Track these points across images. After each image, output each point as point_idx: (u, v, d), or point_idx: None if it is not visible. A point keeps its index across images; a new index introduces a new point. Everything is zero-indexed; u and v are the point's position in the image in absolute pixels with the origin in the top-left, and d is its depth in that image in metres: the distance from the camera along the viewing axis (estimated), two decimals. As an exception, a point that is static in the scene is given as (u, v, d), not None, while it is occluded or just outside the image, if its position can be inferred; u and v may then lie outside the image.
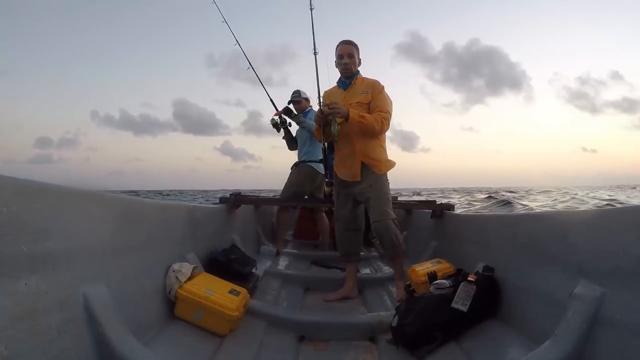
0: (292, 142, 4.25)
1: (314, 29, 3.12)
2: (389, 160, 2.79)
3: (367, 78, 2.78)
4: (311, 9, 3.18)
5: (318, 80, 3.08)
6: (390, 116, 2.66)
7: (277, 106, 4.04)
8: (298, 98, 4.06)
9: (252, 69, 4.06)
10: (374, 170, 2.69)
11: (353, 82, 2.75)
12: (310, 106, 4.12)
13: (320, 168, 3.84)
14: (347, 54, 2.71)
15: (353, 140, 2.69)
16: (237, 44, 4.03)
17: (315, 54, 3.07)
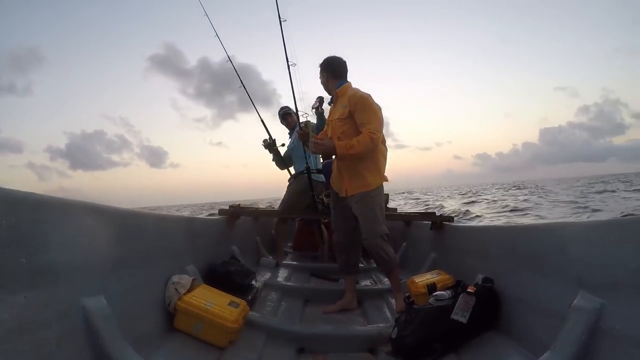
0: (281, 163, 4.32)
1: (285, 40, 3.31)
2: (378, 177, 2.69)
3: (351, 89, 2.73)
4: (281, 22, 3.35)
5: (294, 92, 3.34)
6: (380, 127, 2.56)
7: (268, 129, 4.18)
8: (289, 111, 4.20)
9: (244, 87, 4.13)
10: (364, 185, 2.65)
11: (335, 97, 2.81)
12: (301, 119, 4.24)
13: (319, 177, 3.87)
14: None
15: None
16: (229, 60, 4.09)
17: (288, 65, 3.30)
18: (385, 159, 2.77)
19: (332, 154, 2.63)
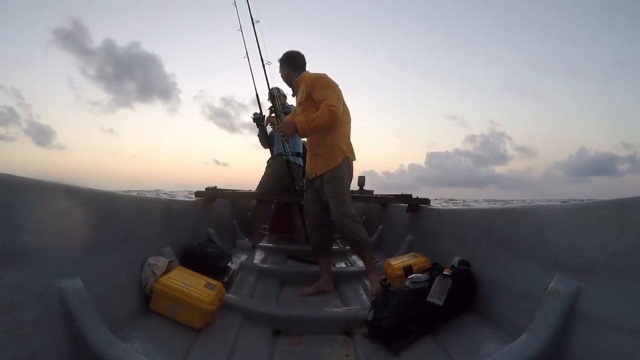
0: (265, 140, 4.25)
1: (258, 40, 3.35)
2: (339, 152, 2.70)
3: (308, 74, 2.82)
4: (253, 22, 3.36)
5: (269, 85, 3.49)
6: (338, 100, 2.62)
7: (260, 103, 3.99)
8: (276, 93, 4.09)
9: (247, 57, 3.84)
10: (328, 164, 2.69)
11: (296, 86, 2.90)
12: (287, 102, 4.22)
13: (298, 161, 3.84)
14: None
15: (308, 138, 2.86)
16: (240, 30, 3.75)
17: (263, 65, 3.42)
18: (346, 133, 2.79)
19: (296, 132, 2.67)
